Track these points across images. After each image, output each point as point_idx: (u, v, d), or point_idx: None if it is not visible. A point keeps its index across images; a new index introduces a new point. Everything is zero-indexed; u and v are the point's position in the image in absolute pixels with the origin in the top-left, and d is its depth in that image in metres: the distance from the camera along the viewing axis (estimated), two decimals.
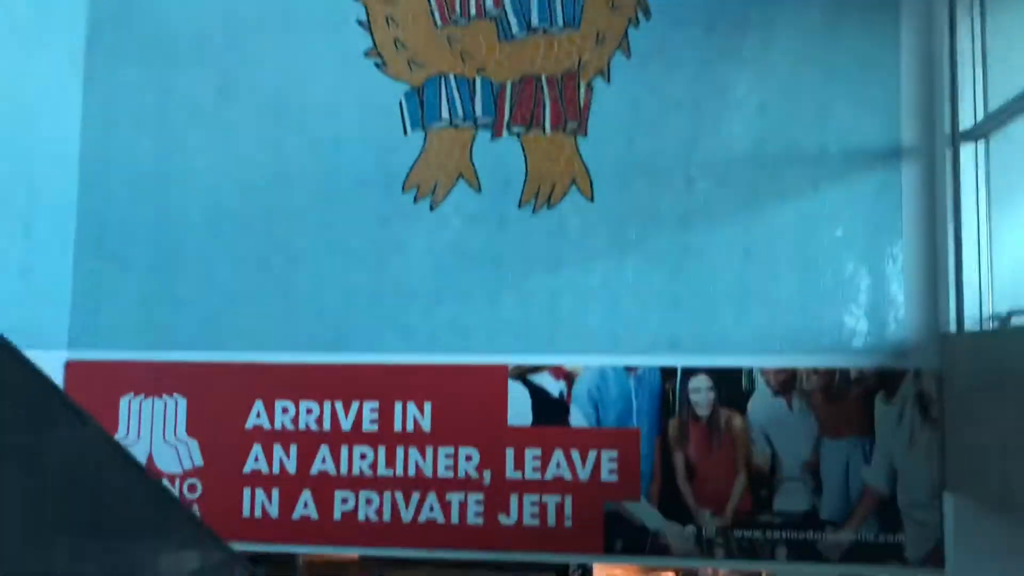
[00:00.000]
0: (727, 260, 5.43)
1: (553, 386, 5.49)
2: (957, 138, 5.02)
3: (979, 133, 4.98)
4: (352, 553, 6.11)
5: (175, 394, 5.74)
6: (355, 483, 5.56)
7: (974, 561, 4.92)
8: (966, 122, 5.01)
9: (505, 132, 5.63)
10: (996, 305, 4.97)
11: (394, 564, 17.74)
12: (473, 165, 5.63)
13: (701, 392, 5.37)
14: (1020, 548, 4.86)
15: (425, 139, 5.69)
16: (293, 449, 5.62)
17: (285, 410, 5.65)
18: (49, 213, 5.80)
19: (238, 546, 5.46)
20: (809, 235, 5.38)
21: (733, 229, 5.43)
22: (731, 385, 5.35)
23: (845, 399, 5.24)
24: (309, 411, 5.63)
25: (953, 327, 5.05)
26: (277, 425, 5.64)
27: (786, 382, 5.30)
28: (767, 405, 5.30)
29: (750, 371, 5.34)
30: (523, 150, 5.62)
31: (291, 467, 5.61)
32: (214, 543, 4.34)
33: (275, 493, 5.61)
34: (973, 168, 5.01)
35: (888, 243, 5.29)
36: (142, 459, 5.66)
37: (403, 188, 5.67)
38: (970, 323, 4.99)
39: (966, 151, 5.02)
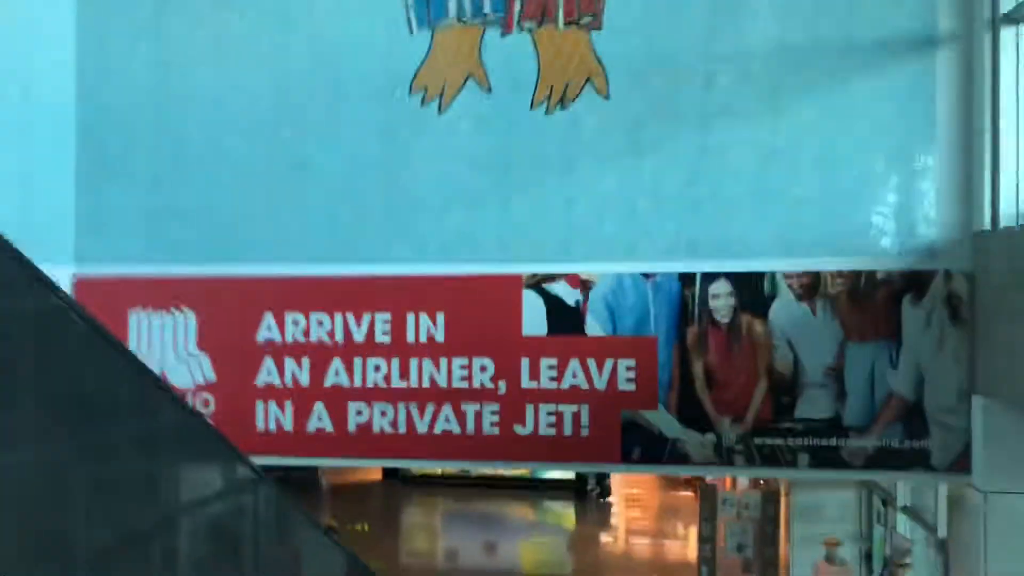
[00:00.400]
0: (749, 160, 5.19)
1: (568, 294, 5.34)
2: (997, 22, 4.70)
3: (1020, 15, 4.65)
4: (368, 465, 6.10)
5: (184, 308, 5.66)
6: (369, 395, 5.49)
7: (1002, 466, 4.79)
8: (1007, 3, 4.67)
9: (516, 28, 5.35)
10: None
11: (417, 484, 17.95)
12: (482, 64, 5.38)
13: (721, 298, 5.20)
14: None
15: (432, 38, 5.43)
16: (305, 362, 5.54)
17: (296, 323, 5.55)
18: (48, 125, 5.64)
19: (253, 459, 5.45)
20: (835, 132, 5.11)
21: (755, 127, 5.17)
22: (752, 290, 5.17)
23: (871, 302, 5.06)
24: (320, 323, 5.53)
25: (988, 224, 4.81)
26: (288, 338, 5.55)
27: (810, 286, 5.12)
28: (790, 310, 5.13)
29: (772, 275, 5.15)
30: (535, 47, 5.34)
31: (304, 380, 5.54)
32: (239, 459, 4.30)
33: (288, 406, 5.55)
34: (1014, 54, 4.70)
35: (920, 138, 5.02)
36: None
37: (410, 91, 5.44)
38: (1006, 221, 4.75)
39: (1007, 35, 4.70)
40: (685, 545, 14.20)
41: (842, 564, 9.19)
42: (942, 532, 8.05)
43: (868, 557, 10.39)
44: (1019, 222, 4.71)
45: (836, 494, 10.63)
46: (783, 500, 11.25)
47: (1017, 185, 4.76)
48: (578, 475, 17.76)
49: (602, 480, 17.55)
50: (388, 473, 18.73)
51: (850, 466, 5.07)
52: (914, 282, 5.01)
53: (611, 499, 17.49)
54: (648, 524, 16.35)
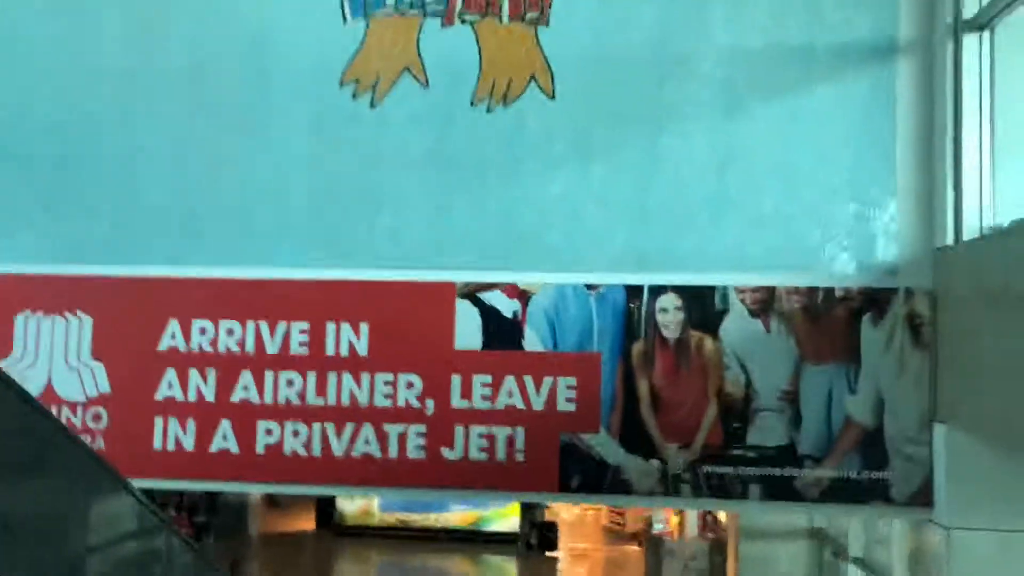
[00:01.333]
0: (702, 168, 4.86)
1: (506, 305, 4.90)
2: (960, 28, 4.50)
3: (983, 22, 4.45)
4: (276, 491, 5.50)
5: (79, 312, 5.08)
6: (281, 413, 4.94)
7: (966, 499, 4.42)
8: (970, 9, 4.47)
9: (457, 20, 5.00)
10: (998, 216, 4.45)
11: (352, 534, 17.19)
12: (420, 57, 5.00)
13: (669, 312, 4.82)
14: (1018, 482, 4.37)
15: (367, 28, 5.05)
16: (211, 374, 4.99)
17: (203, 331, 5.01)
18: None
19: (148, 483, 4.85)
20: (793, 141, 4.83)
21: (709, 134, 4.86)
22: (703, 305, 4.80)
23: (829, 321, 4.71)
24: (230, 332, 5.00)
25: (951, 239, 4.53)
26: (194, 347, 5.00)
27: (764, 302, 4.76)
28: (742, 327, 4.76)
29: (724, 289, 4.79)
30: (477, 40, 5.00)
31: (209, 394, 4.97)
32: (148, 508, 3.75)
33: (190, 424, 4.97)
34: (976, 62, 4.49)
35: (881, 148, 4.75)
36: (40, 385, 5.01)
37: (340, 83, 5.03)
38: (969, 235, 4.48)
39: (969, 43, 4.50)
40: None
41: None
42: None
43: None
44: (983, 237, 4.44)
45: (786, 545, 10.21)
46: (731, 552, 10.79)
47: (980, 198, 4.50)
48: (522, 527, 17.09)
49: (548, 533, 16.89)
50: (321, 522, 17.84)
51: (804, 498, 4.65)
52: (873, 300, 4.69)
53: (556, 553, 16.81)
54: None
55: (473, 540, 17.10)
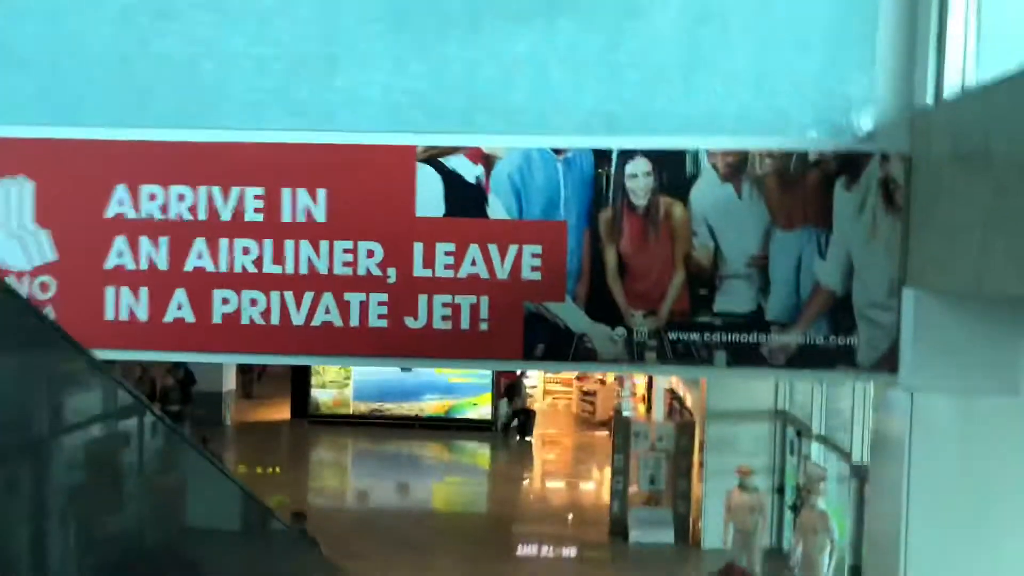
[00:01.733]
0: (675, 24, 4.61)
1: (469, 171, 4.71)
2: None
3: None
4: (235, 360, 5.41)
5: (20, 176, 4.81)
6: (237, 281, 4.78)
7: (930, 363, 4.42)
8: None
9: None
10: (982, 74, 4.27)
11: (326, 423, 17.29)
12: None
13: (639, 177, 4.65)
14: (982, 346, 4.37)
15: None
16: (163, 242, 4.79)
17: (152, 196, 4.78)
18: None
19: (102, 354, 4.69)
20: None
21: None
22: (673, 169, 4.64)
23: (801, 186, 4.58)
24: (181, 197, 4.77)
25: (931, 101, 4.36)
26: (143, 213, 4.78)
27: (735, 166, 4.61)
28: (713, 192, 4.62)
29: (695, 153, 4.62)
30: None
31: (161, 263, 4.79)
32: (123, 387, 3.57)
33: (143, 293, 4.80)
34: None
35: (861, 5, 4.51)
36: None
37: None
38: (950, 96, 4.31)
39: None
40: (600, 483, 13.96)
41: (754, 492, 8.97)
42: (856, 458, 7.87)
43: (780, 490, 10.27)
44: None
45: (750, 426, 10.45)
46: (697, 432, 11.02)
47: (964, 57, 4.32)
48: (493, 414, 17.38)
49: (526, 420, 17.20)
50: (296, 412, 18.00)
51: (771, 364, 4.63)
52: (848, 164, 4.55)
53: (530, 439, 17.17)
54: (564, 465, 16.10)
55: (447, 427, 17.37)
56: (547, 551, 10.97)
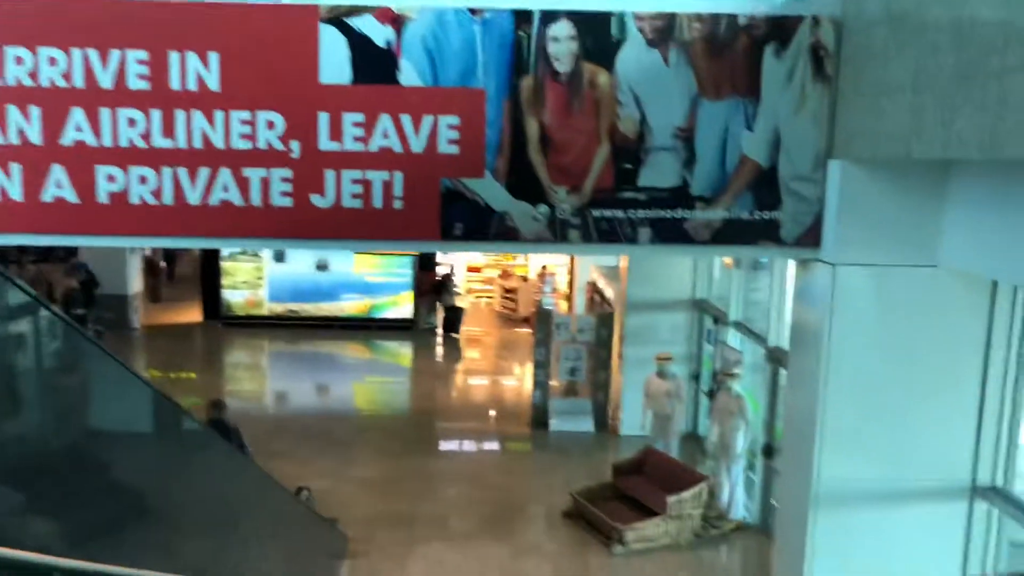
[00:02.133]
0: None
1: (378, 33, 4.32)
2: None
3: None
4: (124, 244, 4.99)
5: None
6: (123, 156, 4.34)
7: (852, 237, 4.37)
8: None
9: None
10: None
11: (240, 324, 16.63)
12: None
13: (561, 42, 4.35)
14: (904, 219, 4.33)
15: None
16: (35, 113, 4.28)
17: (19, 60, 4.24)
18: None
19: None
20: None
21: None
22: (598, 33, 4.35)
23: (730, 52, 4.37)
24: (52, 61, 4.25)
25: None
26: (9, 80, 4.25)
27: (663, 30, 4.35)
28: (639, 58, 4.36)
29: (621, 16, 4.34)
30: None
31: (34, 136, 4.29)
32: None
33: (15, 170, 4.32)
34: None
35: None
36: None
37: None
38: None
39: None
40: (522, 379, 14.05)
41: (672, 378, 9.10)
42: (772, 341, 7.99)
43: (696, 377, 10.48)
44: None
45: (669, 316, 10.53)
46: (617, 322, 11.09)
47: None
48: (417, 312, 17.20)
49: (454, 317, 17.07)
50: (209, 314, 17.43)
51: (695, 240, 4.51)
52: (778, 29, 4.35)
53: (457, 335, 17.11)
54: (487, 362, 16.12)
55: (367, 327, 17.12)
56: (470, 444, 11.02)
